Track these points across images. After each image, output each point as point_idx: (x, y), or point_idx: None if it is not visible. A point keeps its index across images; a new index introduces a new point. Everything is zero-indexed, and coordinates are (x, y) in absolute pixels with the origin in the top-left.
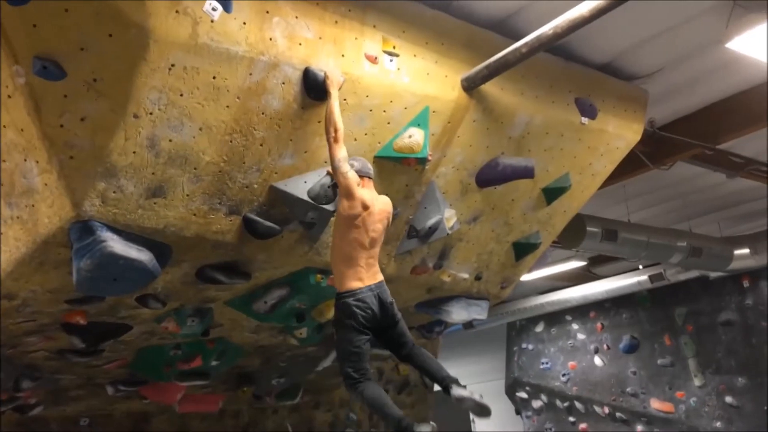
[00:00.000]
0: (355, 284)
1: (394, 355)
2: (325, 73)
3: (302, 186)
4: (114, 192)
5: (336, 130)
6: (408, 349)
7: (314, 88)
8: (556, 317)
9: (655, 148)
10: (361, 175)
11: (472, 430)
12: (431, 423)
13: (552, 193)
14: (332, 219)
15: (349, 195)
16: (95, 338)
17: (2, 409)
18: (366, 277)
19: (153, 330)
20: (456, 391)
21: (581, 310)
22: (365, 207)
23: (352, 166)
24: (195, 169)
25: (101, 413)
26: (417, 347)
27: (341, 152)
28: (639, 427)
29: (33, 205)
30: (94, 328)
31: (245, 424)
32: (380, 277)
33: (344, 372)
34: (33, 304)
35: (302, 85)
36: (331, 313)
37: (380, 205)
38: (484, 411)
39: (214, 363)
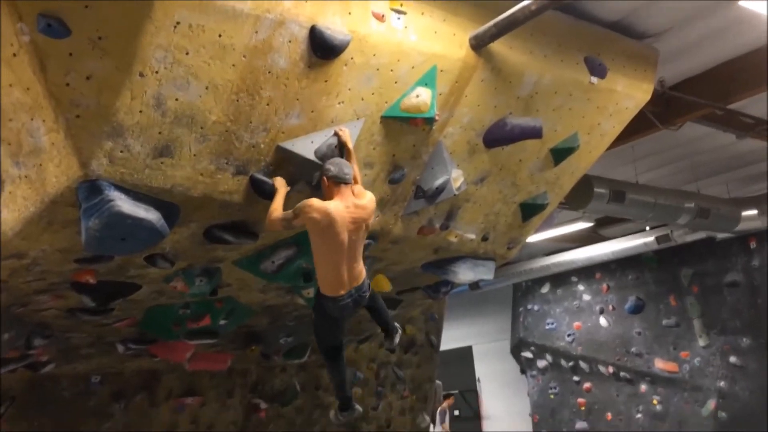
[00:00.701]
0: (335, 291)
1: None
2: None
3: (309, 146)
4: (121, 151)
5: (270, 216)
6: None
7: (321, 47)
8: (561, 278)
9: (665, 108)
10: (337, 181)
11: (477, 388)
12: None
13: (560, 154)
14: None
15: (311, 215)
16: (105, 297)
17: (15, 366)
18: (347, 280)
19: (162, 289)
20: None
21: (587, 272)
22: (331, 220)
23: (328, 171)
24: (201, 128)
25: (112, 371)
26: (375, 299)
27: (279, 214)
28: (643, 387)
29: (40, 165)
30: (104, 288)
31: (253, 382)
32: (362, 277)
33: (320, 347)
34: (42, 264)
35: (309, 43)
36: None
37: (354, 212)
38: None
39: (222, 322)
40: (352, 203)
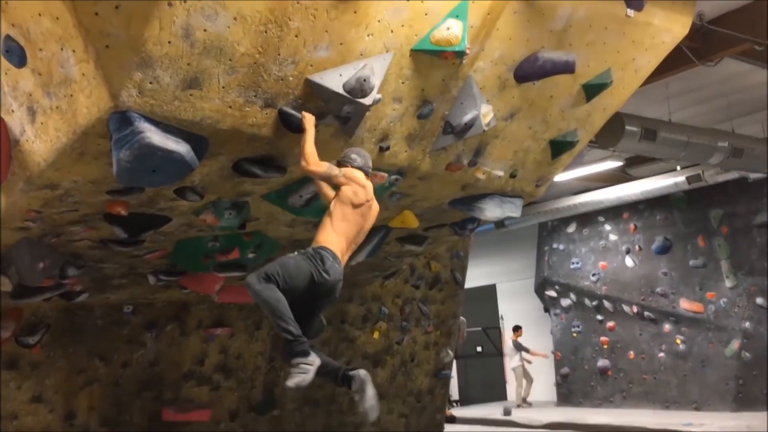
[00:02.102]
0: (337, 251)
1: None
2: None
3: (338, 79)
4: (150, 83)
5: (309, 160)
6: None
7: None
8: (588, 218)
9: (703, 43)
10: (364, 171)
11: (500, 326)
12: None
13: (592, 90)
14: (367, 114)
15: (357, 182)
16: (136, 229)
17: (50, 295)
18: (344, 257)
19: (191, 222)
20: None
21: (614, 211)
22: (368, 198)
23: (354, 160)
24: (230, 60)
25: (143, 302)
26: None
27: (325, 166)
28: (666, 326)
29: (71, 95)
30: (135, 219)
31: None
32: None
33: (272, 269)
34: (75, 195)
35: None
36: None
37: (376, 205)
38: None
39: (250, 255)
40: (371, 191)
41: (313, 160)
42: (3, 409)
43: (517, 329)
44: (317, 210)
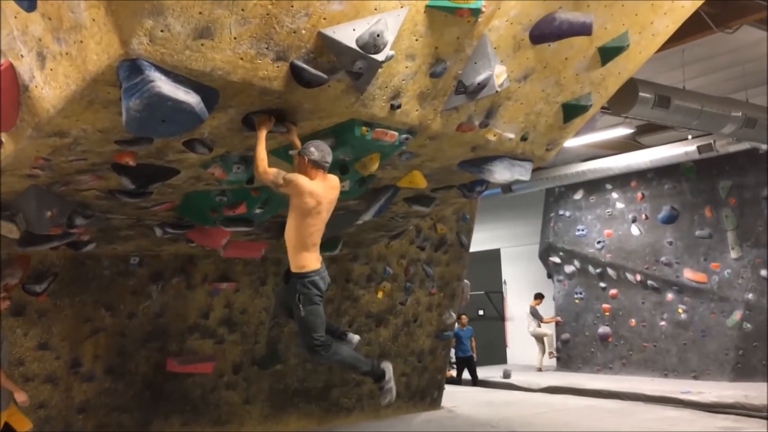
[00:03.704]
0: (316, 265)
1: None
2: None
3: (351, 33)
4: (161, 31)
5: (259, 166)
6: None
7: None
8: (596, 185)
9: (722, 8)
10: (316, 166)
11: (503, 290)
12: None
13: (608, 53)
14: (379, 70)
15: (302, 194)
16: (144, 180)
17: (57, 244)
18: (318, 258)
19: (199, 175)
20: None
21: (622, 179)
22: (318, 201)
23: (311, 153)
24: (242, 10)
25: (150, 253)
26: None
27: (272, 173)
28: (669, 295)
29: (81, 42)
30: (143, 170)
31: (286, 271)
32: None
33: (314, 339)
34: (84, 143)
35: None
36: (374, 167)
37: (329, 194)
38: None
39: (257, 211)
40: (328, 185)
41: (262, 167)
42: (10, 354)
43: (538, 297)
44: None
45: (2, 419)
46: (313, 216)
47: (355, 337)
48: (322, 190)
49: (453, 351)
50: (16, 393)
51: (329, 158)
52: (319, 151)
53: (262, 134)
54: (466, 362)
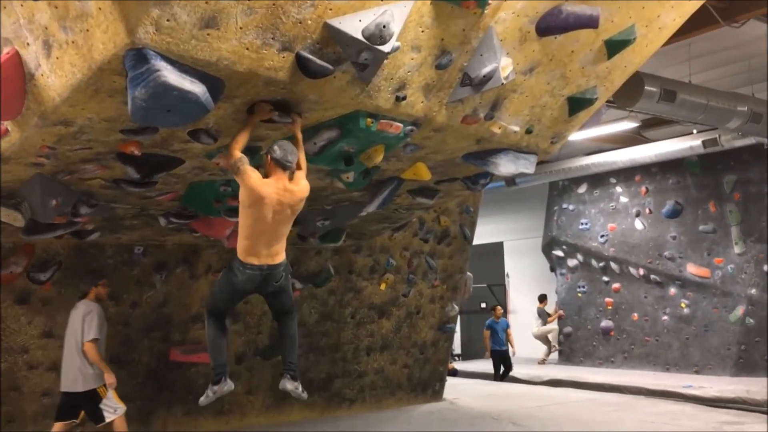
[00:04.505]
0: (249, 259)
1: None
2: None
3: (357, 24)
4: (168, 20)
5: (232, 145)
6: (281, 319)
7: None
8: (600, 179)
9: (729, 3)
10: (277, 164)
11: (506, 284)
12: (230, 383)
13: (614, 46)
14: (385, 61)
15: (243, 187)
16: (149, 169)
17: (62, 232)
18: (263, 255)
19: (204, 165)
20: (284, 382)
21: (627, 174)
22: (258, 199)
23: (274, 152)
24: (248, 0)
25: (154, 243)
26: (289, 326)
27: (236, 157)
28: (672, 290)
29: (87, 30)
30: (148, 160)
31: (289, 263)
32: (279, 259)
33: (209, 303)
34: (89, 132)
35: None
36: (378, 159)
37: (284, 196)
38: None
39: None
40: (283, 186)
41: (231, 147)
42: (14, 342)
43: (543, 299)
44: (331, 158)
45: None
46: (254, 211)
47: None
48: (271, 190)
49: (489, 344)
50: (106, 374)
51: (291, 158)
52: (282, 150)
53: (254, 121)
54: (501, 356)
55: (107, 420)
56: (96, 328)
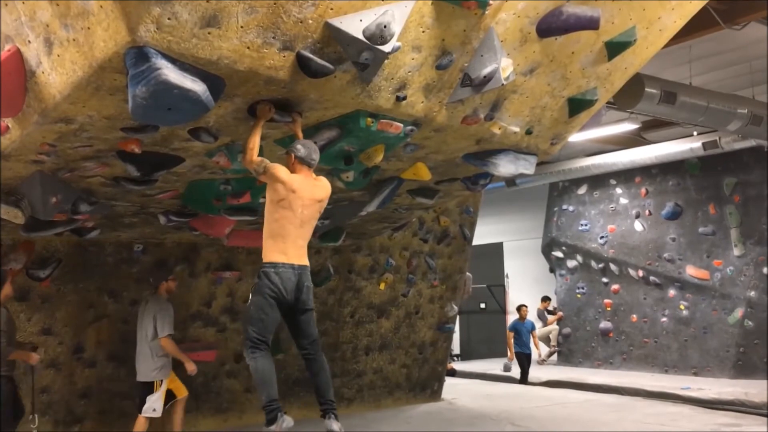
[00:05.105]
0: (278, 258)
1: (296, 344)
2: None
3: (358, 24)
4: (169, 18)
5: (246, 152)
6: (309, 348)
7: None
8: (600, 180)
9: (730, 5)
10: (302, 162)
11: (505, 284)
12: (288, 419)
13: (615, 48)
14: (385, 61)
15: (276, 181)
16: (149, 168)
17: (62, 230)
18: (291, 255)
19: (204, 164)
20: (330, 423)
21: (627, 175)
22: (292, 191)
23: (298, 150)
24: None
25: (153, 241)
26: (319, 355)
27: (257, 162)
28: (671, 292)
29: (89, 28)
30: (148, 158)
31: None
32: (305, 261)
33: (247, 333)
34: (90, 130)
35: None
36: (379, 158)
37: (313, 191)
38: None
39: (262, 200)
40: (312, 182)
41: (249, 155)
42: (170, 325)
43: (545, 300)
44: (331, 157)
45: (166, 386)
46: (285, 207)
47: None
48: (301, 184)
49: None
50: (186, 363)
51: (315, 156)
52: (306, 148)
53: (260, 123)
54: (527, 358)
55: (143, 414)
56: (169, 324)
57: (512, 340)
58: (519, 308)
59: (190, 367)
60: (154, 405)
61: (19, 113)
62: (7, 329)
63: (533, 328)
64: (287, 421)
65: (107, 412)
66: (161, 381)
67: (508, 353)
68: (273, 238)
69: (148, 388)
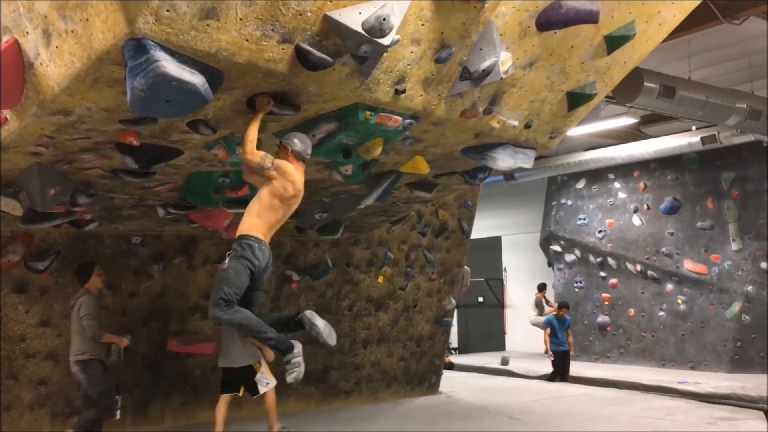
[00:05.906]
0: (262, 236)
1: None
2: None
3: (357, 17)
4: (167, 10)
5: (247, 147)
6: (251, 306)
7: None
8: (598, 174)
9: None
10: (299, 158)
11: (503, 278)
12: (297, 342)
13: (614, 42)
14: (384, 54)
15: (287, 180)
16: (148, 160)
17: (60, 222)
18: (268, 237)
19: (203, 156)
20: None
21: (625, 169)
22: (297, 190)
23: (294, 144)
24: None
25: (152, 233)
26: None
27: (259, 156)
28: (669, 286)
29: (87, 20)
30: (147, 150)
31: (287, 255)
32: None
33: (222, 291)
34: (88, 122)
35: None
36: (377, 152)
37: (302, 187)
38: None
39: None
40: (301, 176)
41: (250, 148)
42: (11, 330)
43: (542, 288)
44: (329, 150)
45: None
46: (283, 202)
47: (306, 312)
48: (301, 183)
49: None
50: (265, 351)
51: (310, 151)
52: (303, 143)
53: (259, 116)
54: (562, 356)
55: (261, 392)
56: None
57: (548, 336)
58: (560, 306)
59: (268, 354)
60: (267, 379)
61: (18, 105)
62: (97, 314)
63: (569, 325)
64: (298, 345)
65: None
66: (259, 361)
67: (546, 350)
68: (261, 217)
69: (249, 372)
